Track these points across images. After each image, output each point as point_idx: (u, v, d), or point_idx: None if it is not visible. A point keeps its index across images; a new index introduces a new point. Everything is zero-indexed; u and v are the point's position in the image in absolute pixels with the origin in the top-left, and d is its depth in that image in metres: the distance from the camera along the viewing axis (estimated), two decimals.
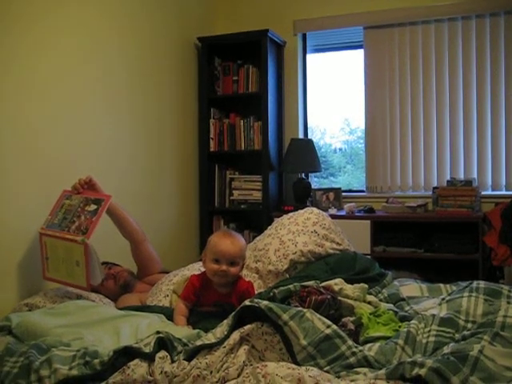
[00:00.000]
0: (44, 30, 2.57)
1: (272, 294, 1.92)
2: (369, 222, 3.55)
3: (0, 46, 2.33)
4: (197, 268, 2.42)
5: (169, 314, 1.99)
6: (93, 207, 2.30)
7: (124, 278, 2.50)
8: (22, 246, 2.40)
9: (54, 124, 2.63)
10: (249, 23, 4.18)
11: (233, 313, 1.58)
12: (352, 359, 1.46)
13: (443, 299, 1.93)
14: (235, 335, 1.51)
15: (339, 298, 1.89)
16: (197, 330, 1.76)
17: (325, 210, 3.64)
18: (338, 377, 1.41)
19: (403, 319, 1.84)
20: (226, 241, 2.00)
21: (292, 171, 4.00)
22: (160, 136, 3.62)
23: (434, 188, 3.70)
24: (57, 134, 2.65)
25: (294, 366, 1.40)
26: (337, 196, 4.00)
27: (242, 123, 4.03)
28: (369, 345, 1.60)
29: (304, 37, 4.26)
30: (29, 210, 2.43)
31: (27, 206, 2.44)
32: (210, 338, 1.54)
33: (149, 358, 1.50)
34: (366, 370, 1.43)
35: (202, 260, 2.08)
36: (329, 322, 1.55)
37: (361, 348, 1.51)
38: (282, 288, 1.93)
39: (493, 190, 3.77)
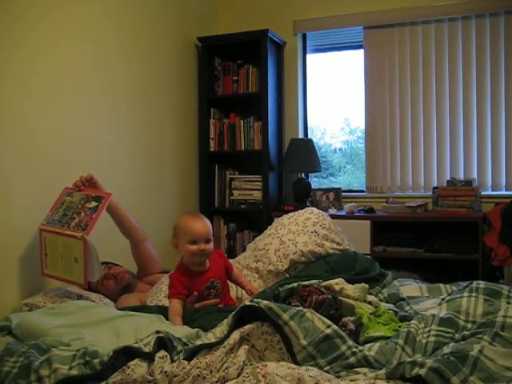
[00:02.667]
0: (44, 30, 2.57)
1: (277, 292, 1.93)
2: (369, 222, 3.55)
3: (1, 46, 2.34)
4: None
5: (166, 313, 1.99)
6: (93, 204, 2.31)
7: (125, 279, 2.50)
8: (22, 245, 2.40)
9: (54, 123, 2.63)
10: (249, 23, 4.18)
11: (233, 312, 1.58)
12: (352, 359, 1.46)
13: (443, 299, 1.93)
14: (235, 335, 1.51)
15: (340, 297, 1.89)
16: (196, 330, 1.76)
17: (325, 210, 3.64)
18: (338, 377, 1.41)
19: (403, 319, 1.84)
20: (198, 222, 2.10)
21: (292, 171, 4.00)
22: (160, 136, 3.62)
23: (434, 188, 3.70)
24: (57, 133, 2.65)
25: (293, 365, 1.40)
26: (337, 196, 4.00)
27: (242, 123, 4.03)
28: (369, 345, 1.60)
29: (304, 37, 4.26)
30: (30, 209, 2.43)
31: (28, 205, 2.44)
32: (209, 337, 1.54)
33: (149, 357, 1.51)
34: (366, 369, 1.43)
35: (173, 245, 2.14)
36: (329, 322, 1.55)
37: (361, 348, 1.51)
38: (286, 286, 1.94)
39: (493, 190, 3.77)
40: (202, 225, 2.10)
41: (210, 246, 2.10)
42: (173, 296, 2.05)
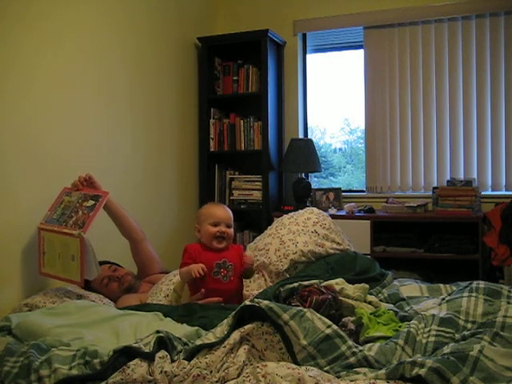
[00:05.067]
0: (44, 30, 2.57)
1: (277, 292, 1.93)
2: (369, 221, 3.55)
3: (2, 46, 2.34)
4: None
5: (166, 311, 1.99)
6: (90, 203, 2.32)
7: (127, 281, 2.50)
8: (23, 245, 2.40)
9: (54, 123, 2.63)
10: (249, 23, 4.18)
11: (233, 312, 1.58)
12: (352, 359, 1.46)
13: (443, 299, 1.93)
14: (235, 335, 1.51)
15: (340, 297, 1.89)
16: (195, 328, 1.76)
17: (325, 210, 3.64)
18: (338, 377, 1.41)
19: (403, 319, 1.84)
20: (220, 208, 2.29)
21: (292, 171, 4.00)
22: (160, 136, 3.62)
23: (434, 188, 3.70)
24: (57, 132, 2.65)
25: (293, 365, 1.40)
26: (337, 196, 4.00)
27: (242, 123, 4.03)
28: (369, 345, 1.60)
29: (304, 37, 4.26)
30: (30, 209, 2.43)
31: (29, 205, 2.44)
32: (210, 337, 1.54)
33: (149, 357, 1.50)
34: (366, 369, 1.43)
35: (196, 230, 2.27)
36: (329, 322, 1.55)
37: (361, 348, 1.51)
38: (287, 286, 1.94)
39: (493, 190, 3.77)
40: (224, 210, 2.27)
41: (231, 230, 2.24)
42: (180, 267, 2.18)
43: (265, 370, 1.36)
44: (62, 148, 2.68)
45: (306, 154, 3.86)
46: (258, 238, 2.63)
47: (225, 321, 1.59)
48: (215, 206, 2.33)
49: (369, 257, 2.68)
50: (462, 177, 3.79)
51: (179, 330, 1.74)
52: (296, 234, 2.46)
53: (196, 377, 1.43)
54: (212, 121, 4.04)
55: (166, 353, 1.52)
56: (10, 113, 2.38)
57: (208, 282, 2.11)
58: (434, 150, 3.91)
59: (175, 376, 1.45)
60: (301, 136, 4.23)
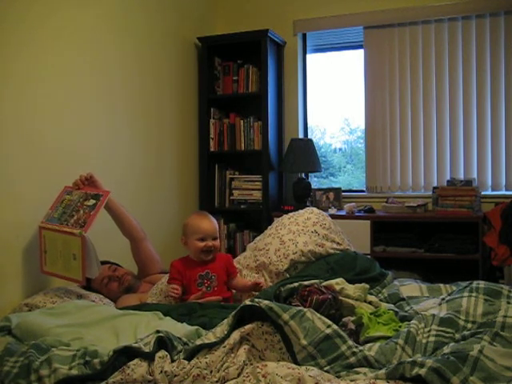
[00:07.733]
0: (44, 32, 2.57)
1: (278, 291, 1.93)
2: (369, 221, 3.55)
3: (4, 46, 2.34)
4: None
5: (166, 310, 2.00)
6: (91, 202, 2.33)
7: (127, 280, 2.51)
8: (23, 244, 2.40)
9: (55, 122, 2.63)
10: (249, 23, 4.18)
11: (233, 312, 1.58)
12: (352, 359, 1.45)
13: (443, 299, 1.93)
14: (235, 335, 1.51)
15: (340, 297, 1.89)
16: (195, 328, 1.76)
17: (325, 209, 3.64)
18: (338, 377, 1.41)
19: (403, 319, 1.84)
20: (205, 220, 2.30)
21: (292, 171, 4.00)
22: (160, 136, 3.62)
23: (434, 188, 3.70)
24: (58, 131, 2.65)
25: (293, 365, 1.40)
26: (337, 196, 4.00)
27: (242, 123, 4.03)
28: (369, 345, 1.60)
29: (304, 37, 4.26)
30: (30, 206, 2.43)
31: (29, 204, 2.43)
32: (210, 337, 1.54)
33: (149, 357, 1.50)
34: (366, 369, 1.43)
35: (183, 242, 2.31)
36: (329, 322, 1.55)
37: (361, 348, 1.51)
38: (288, 286, 1.94)
39: (493, 190, 3.77)
40: (210, 223, 2.29)
41: (217, 243, 2.29)
42: (167, 282, 2.27)
43: (265, 369, 1.36)
44: (63, 147, 2.68)
45: (306, 154, 3.86)
46: (258, 238, 2.62)
47: (225, 320, 1.59)
48: (201, 218, 2.31)
49: (369, 257, 2.68)
50: (462, 177, 3.79)
51: (179, 329, 1.74)
52: (296, 234, 2.46)
53: (196, 377, 1.43)
54: (212, 121, 4.04)
55: (166, 353, 1.52)
56: (12, 112, 2.38)
57: (193, 292, 2.21)
58: (433, 150, 3.91)
59: (175, 376, 1.45)
60: (301, 136, 4.23)
